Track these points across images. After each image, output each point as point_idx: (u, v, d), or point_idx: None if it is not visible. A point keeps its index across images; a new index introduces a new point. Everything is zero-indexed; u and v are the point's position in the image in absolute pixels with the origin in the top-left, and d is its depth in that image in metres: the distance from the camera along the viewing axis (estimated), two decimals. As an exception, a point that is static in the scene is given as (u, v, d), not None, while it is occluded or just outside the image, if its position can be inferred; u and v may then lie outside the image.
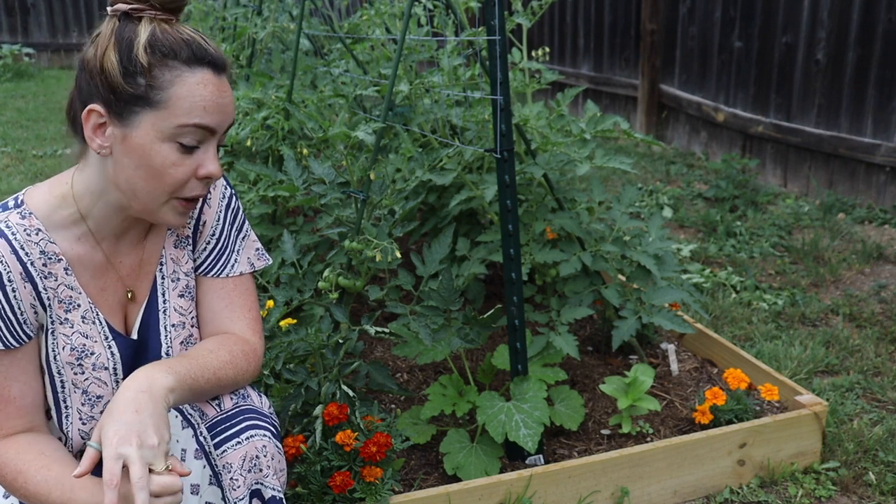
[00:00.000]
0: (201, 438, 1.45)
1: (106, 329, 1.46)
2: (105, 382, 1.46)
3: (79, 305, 1.43)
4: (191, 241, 1.55)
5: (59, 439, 1.47)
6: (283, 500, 1.47)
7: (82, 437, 1.47)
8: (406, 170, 2.46)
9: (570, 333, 2.35)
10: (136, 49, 1.29)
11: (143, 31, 1.31)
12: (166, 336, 1.51)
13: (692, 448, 2.10)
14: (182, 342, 1.53)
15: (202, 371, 1.40)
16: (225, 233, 1.58)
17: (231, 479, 1.42)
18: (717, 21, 5.43)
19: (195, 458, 1.44)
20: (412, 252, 2.64)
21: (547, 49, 2.85)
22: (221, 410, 1.47)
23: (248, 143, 3.05)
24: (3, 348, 1.36)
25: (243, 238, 1.61)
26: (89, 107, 1.32)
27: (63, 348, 1.42)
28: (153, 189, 1.34)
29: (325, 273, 2.34)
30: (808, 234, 4.09)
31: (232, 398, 1.50)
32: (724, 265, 3.76)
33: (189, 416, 1.48)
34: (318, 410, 1.95)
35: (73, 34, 10.65)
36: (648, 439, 2.27)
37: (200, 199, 1.53)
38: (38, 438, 1.40)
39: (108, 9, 1.34)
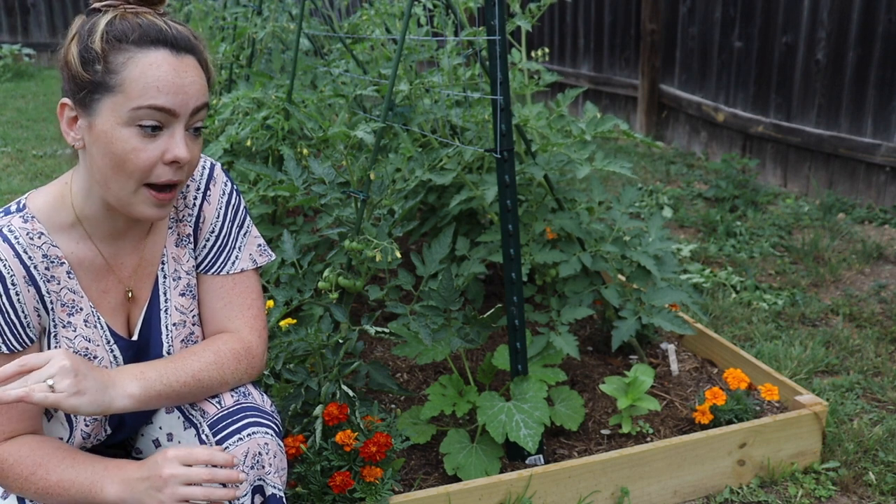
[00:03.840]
0: (203, 437, 1.45)
1: (107, 332, 1.46)
2: None
3: (81, 309, 1.43)
4: (192, 238, 1.55)
5: (60, 438, 1.47)
6: (284, 499, 1.47)
7: (83, 438, 1.47)
8: (406, 170, 2.46)
9: (570, 333, 2.35)
10: (93, 37, 1.30)
11: (103, 21, 1.31)
12: (167, 335, 1.51)
13: (692, 448, 2.10)
14: (183, 340, 1.53)
15: (178, 374, 1.39)
16: (225, 229, 1.56)
17: None
18: (717, 21, 5.43)
19: None
20: (412, 252, 2.64)
21: (546, 49, 2.85)
22: (222, 407, 1.47)
23: (248, 143, 3.04)
24: (6, 352, 1.36)
25: (245, 234, 1.59)
26: (61, 101, 1.34)
27: None
28: (120, 177, 1.31)
29: (325, 273, 2.34)
30: (808, 234, 4.09)
31: (233, 395, 1.49)
32: (724, 265, 3.76)
33: (191, 417, 1.48)
34: (318, 410, 1.95)
35: (73, 34, 10.66)
36: (648, 439, 2.27)
37: (200, 197, 1.53)
38: (46, 437, 1.40)
39: (95, 4, 1.35)
